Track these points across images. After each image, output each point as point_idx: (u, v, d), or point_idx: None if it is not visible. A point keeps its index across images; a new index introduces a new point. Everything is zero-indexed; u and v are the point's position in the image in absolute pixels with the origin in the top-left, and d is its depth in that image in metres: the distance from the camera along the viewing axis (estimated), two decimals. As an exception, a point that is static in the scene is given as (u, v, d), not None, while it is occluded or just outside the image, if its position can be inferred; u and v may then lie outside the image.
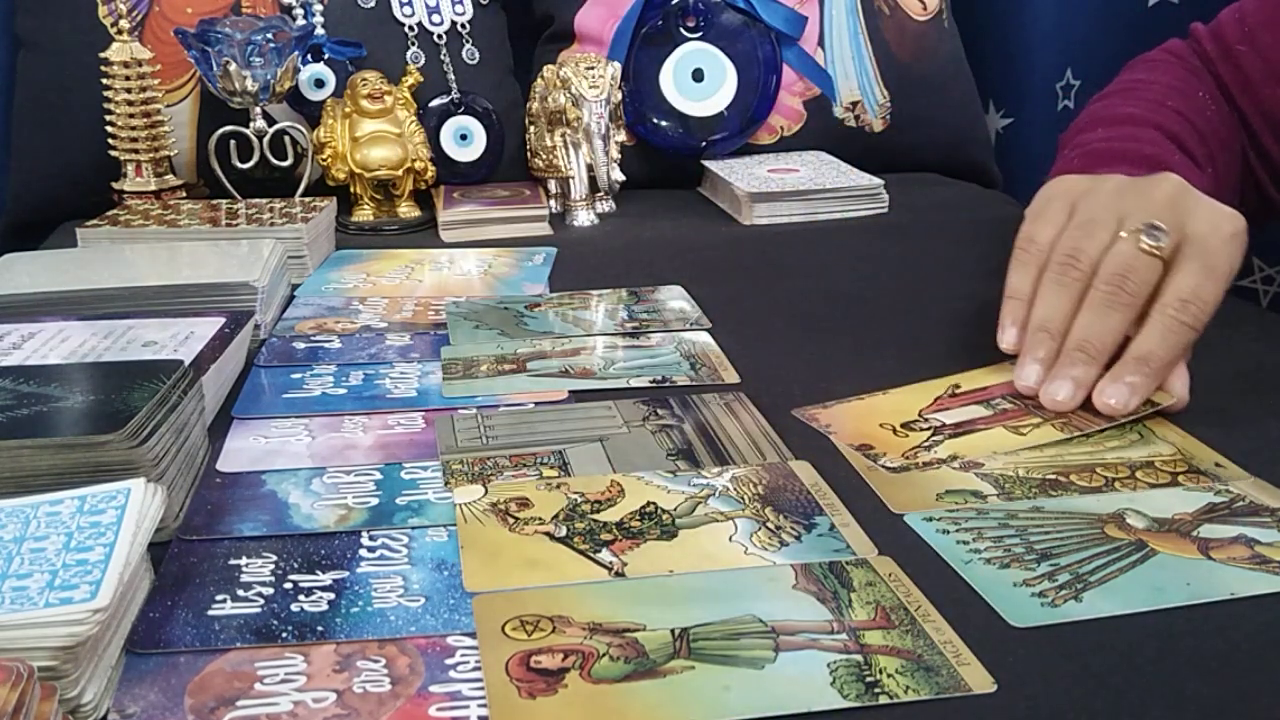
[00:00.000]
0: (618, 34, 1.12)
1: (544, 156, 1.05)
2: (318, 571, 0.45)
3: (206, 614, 0.42)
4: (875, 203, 1.02)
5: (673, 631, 0.41)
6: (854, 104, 1.15)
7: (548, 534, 0.48)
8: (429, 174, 1.05)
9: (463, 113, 1.10)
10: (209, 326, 0.64)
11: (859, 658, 0.39)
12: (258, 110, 0.99)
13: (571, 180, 1.03)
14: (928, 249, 0.91)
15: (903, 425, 0.58)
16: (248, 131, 0.99)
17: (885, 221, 1.00)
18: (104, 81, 0.99)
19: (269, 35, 0.94)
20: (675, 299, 0.79)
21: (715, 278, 0.83)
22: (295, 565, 0.46)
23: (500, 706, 0.37)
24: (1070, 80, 1.24)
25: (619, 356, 0.68)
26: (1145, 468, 0.52)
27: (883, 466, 0.54)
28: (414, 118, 1.05)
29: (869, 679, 0.38)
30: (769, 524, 0.48)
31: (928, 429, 0.58)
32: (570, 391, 0.63)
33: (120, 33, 0.99)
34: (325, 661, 0.40)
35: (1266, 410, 0.58)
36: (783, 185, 1.01)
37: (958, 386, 0.63)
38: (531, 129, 1.09)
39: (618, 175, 1.04)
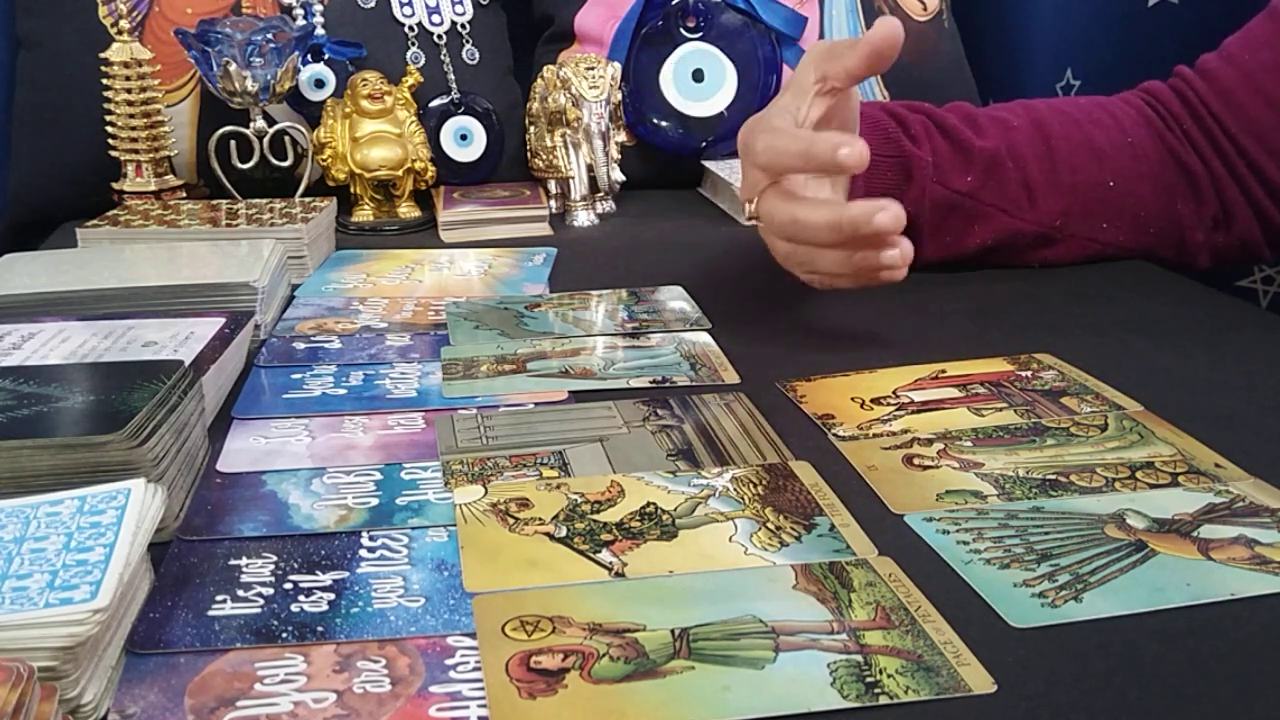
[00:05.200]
0: (618, 34, 1.12)
1: (544, 157, 1.05)
2: (318, 572, 0.45)
3: (206, 614, 0.42)
4: (875, 203, 1.02)
5: (673, 632, 0.41)
6: (854, 104, 1.15)
7: (548, 534, 0.48)
8: (429, 174, 1.05)
9: (463, 113, 1.10)
10: (209, 326, 0.64)
11: (859, 658, 0.39)
12: (258, 110, 0.99)
13: (571, 180, 1.03)
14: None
15: (872, 400, 0.60)
16: (248, 132, 0.99)
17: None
18: (104, 81, 0.99)
19: (269, 35, 0.94)
20: (675, 299, 0.79)
21: (715, 278, 0.83)
22: (295, 565, 0.46)
23: (500, 707, 0.37)
24: (1070, 80, 1.24)
25: (619, 357, 0.68)
26: (1145, 468, 0.52)
27: (834, 435, 0.57)
28: (414, 118, 1.05)
29: (869, 679, 0.38)
30: (769, 524, 0.48)
31: (894, 404, 0.60)
32: (570, 392, 0.63)
33: (120, 33, 0.99)
34: (325, 662, 0.40)
35: (1266, 410, 0.58)
36: (783, 185, 1.01)
37: (943, 371, 0.64)
38: (531, 129, 1.09)
39: (618, 175, 1.04)
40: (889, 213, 0.61)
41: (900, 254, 0.63)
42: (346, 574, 0.45)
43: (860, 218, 0.61)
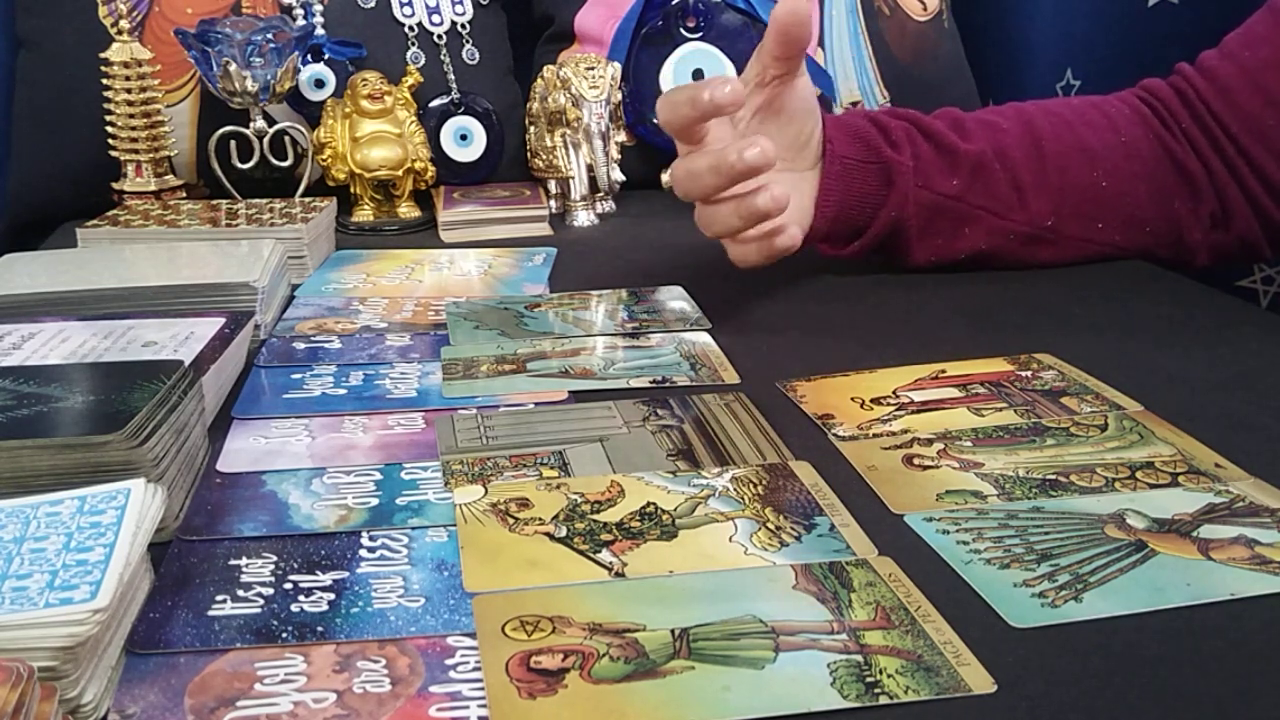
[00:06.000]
0: (618, 34, 1.12)
1: (544, 157, 1.05)
2: (318, 572, 0.45)
3: (206, 614, 0.42)
4: (875, 203, 1.02)
5: (673, 632, 0.41)
6: (854, 104, 1.15)
7: (548, 534, 0.48)
8: (429, 174, 1.05)
9: (463, 113, 1.10)
10: (209, 326, 0.64)
11: (859, 658, 0.39)
12: (258, 110, 0.99)
13: (571, 180, 1.03)
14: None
15: (872, 400, 0.61)
16: (248, 132, 0.99)
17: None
18: (104, 81, 0.99)
19: (269, 35, 0.95)
20: (675, 299, 0.79)
21: (715, 278, 0.83)
22: (295, 565, 0.46)
23: (500, 707, 0.37)
24: (1070, 80, 1.24)
25: (619, 357, 0.68)
26: (1145, 468, 0.52)
27: (834, 435, 0.57)
28: (414, 118, 1.05)
29: (869, 679, 0.38)
30: (769, 524, 0.48)
31: (894, 404, 0.60)
32: (570, 392, 0.63)
33: (120, 33, 1.00)
34: (325, 662, 0.40)
35: (1266, 410, 0.58)
36: (783, 185, 1.01)
37: (943, 371, 0.64)
38: (531, 129, 1.09)
39: (618, 175, 1.04)
40: (757, 148, 0.64)
41: (771, 196, 0.66)
42: (346, 574, 0.45)
43: (732, 153, 0.65)
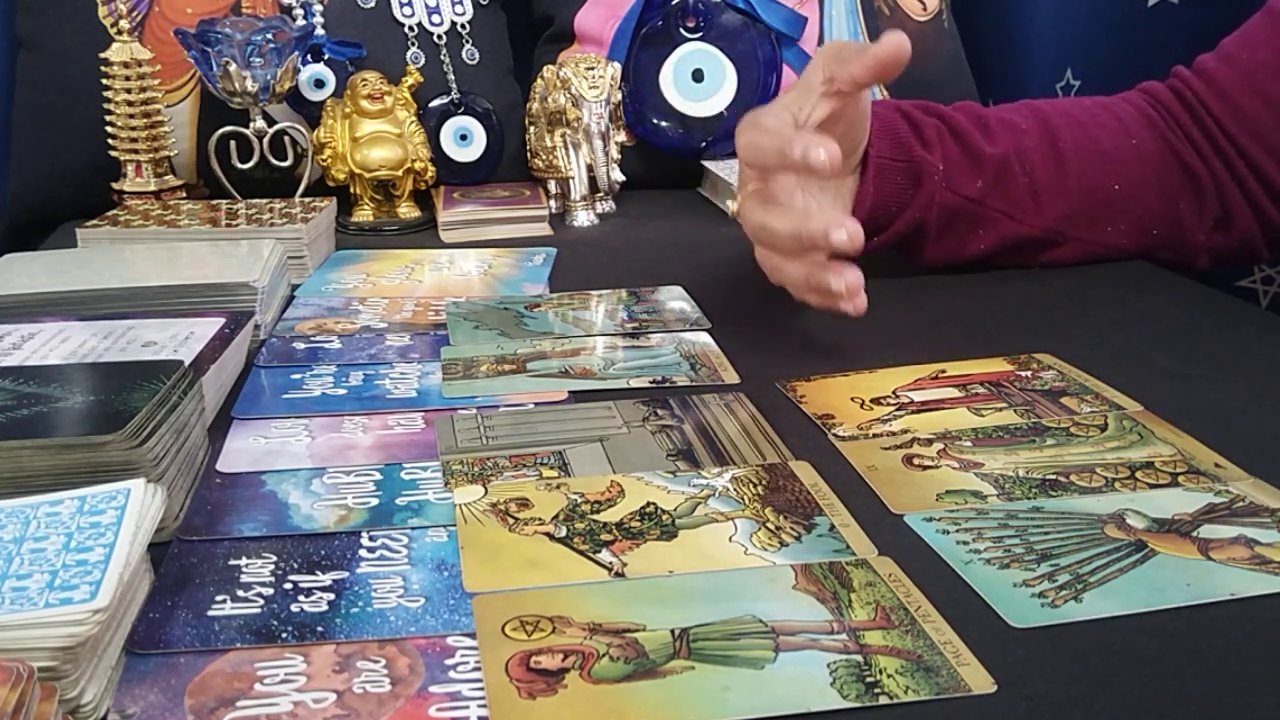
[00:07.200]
0: (618, 34, 1.12)
1: (544, 157, 1.05)
2: (318, 572, 0.45)
3: (206, 614, 0.42)
4: (875, 203, 1.02)
5: (673, 632, 0.41)
6: (854, 104, 1.15)
7: (548, 534, 0.48)
8: (429, 174, 1.05)
9: (463, 113, 1.10)
10: (209, 327, 0.64)
11: (859, 658, 0.39)
12: (258, 110, 0.99)
13: (571, 180, 1.03)
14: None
15: (872, 400, 0.61)
16: (248, 132, 0.99)
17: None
18: (104, 81, 0.99)
19: (269, 35, 0.95)
20: (675, 299, 0.79)
21: (715, 278, 0.83)
22: (295, 566, 0.46)
23: (500, 707, 0.37)
24: (1070, 80, 1.24)
25: (619, 357, 0.68)
26: (1145, 468, 0.52)
27: (834, 435, 0.57)
28: (414, 118, 1.05)
29: (869, 679, 0.38)
30: (769, 524, 0.48)
31: (894, 404, 0.60)
32: (570, 392, 0.63)
33: (120, 33, 1.00)
34: (325, 662, 0.40)
35: (1266, 410, 0.58)
36: (783, 185, 1.01)
37: (943, 371, 0.64)
38: (531, 129, 1.09)
39: (618, 175, 1.04)
40: (846, 230, 0.61)
41: (846, 284, 0.63)
42: (346, 574, 0.45)
43: (818, 231, 0.61)
